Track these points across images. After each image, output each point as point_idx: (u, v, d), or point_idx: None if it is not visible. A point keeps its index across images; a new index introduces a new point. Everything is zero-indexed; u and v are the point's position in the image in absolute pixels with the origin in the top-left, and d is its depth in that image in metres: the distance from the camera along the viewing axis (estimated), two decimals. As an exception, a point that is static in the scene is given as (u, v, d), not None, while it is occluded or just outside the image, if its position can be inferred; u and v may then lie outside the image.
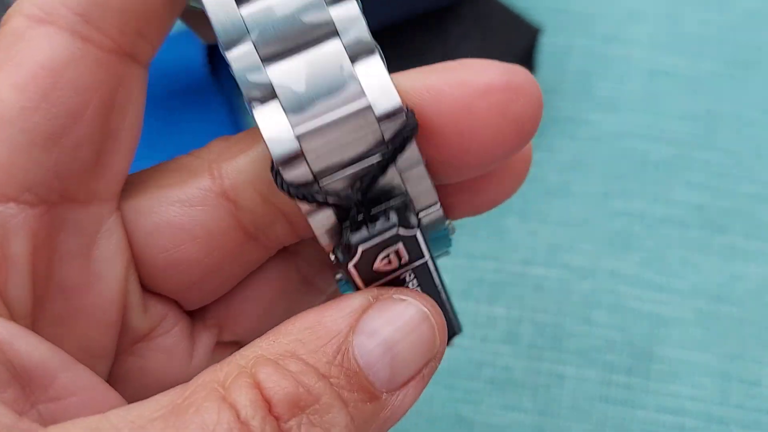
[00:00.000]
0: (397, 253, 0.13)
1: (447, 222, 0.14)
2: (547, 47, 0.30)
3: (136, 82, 0.12)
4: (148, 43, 0.12)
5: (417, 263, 0.13)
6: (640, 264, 0.26)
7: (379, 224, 0.12)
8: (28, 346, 0.12)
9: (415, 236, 0.13)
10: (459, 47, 0.27)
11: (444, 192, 0.14)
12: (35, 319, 0.13)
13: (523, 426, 0.24)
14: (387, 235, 0.12)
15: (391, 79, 0.12)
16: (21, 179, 0.11)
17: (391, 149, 0.12)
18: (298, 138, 0.12)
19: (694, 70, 0.29)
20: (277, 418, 0.11)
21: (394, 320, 0.12)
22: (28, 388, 0.12)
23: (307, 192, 0.12)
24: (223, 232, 0.13)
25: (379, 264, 0.13)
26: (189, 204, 0.13)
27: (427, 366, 0.13)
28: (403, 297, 0.13)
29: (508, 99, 0.12)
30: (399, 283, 0.13)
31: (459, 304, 0.25)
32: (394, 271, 0.13)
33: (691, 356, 0.24)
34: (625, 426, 0.23)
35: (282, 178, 0.12)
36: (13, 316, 0.12)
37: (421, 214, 0.13)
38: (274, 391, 0.11)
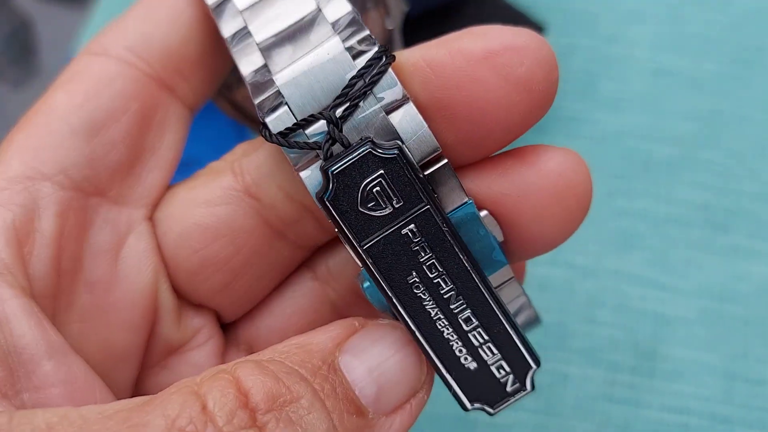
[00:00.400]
0: (383, 189, 0.12)
1: (483, 214, 0.13)
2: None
3: (174, 114, 0.14)
4: (187, 84, 0.14)
5: (417, 210, 0.12)
6: (644, 263, 0.26)
7: (352, 148, 0.12)
8: (22, 328, 0.12)
9: (396, 159, 0.12)
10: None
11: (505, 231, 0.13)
12: (62, 311, 0.13)
13: (526, 425, 0.23)
14: (357, 153, 0.12)
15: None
16: (58, 162, 0.12)
17: (365, 75, 0.12)
18: (280, 87, 0.12)
19: (697, 70, 0.29)
20: (252, 410, 0.10)
21: (378, 342, 0.12)
22: (15, 372, 0.12)
23: (290, 138, 0.12)
24: (250, 229, 0.13)
25: (366, 205, 0.12)
26: (213, 204, 0.13)
27: (414, 397, 0.12)
28: (388, 321, 0.13)
29: (510, 62, 0.12)
30: (416, 265, 0.12)
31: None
32: (393, 218, 0.12)
33: (695, 355, 0.24)
34: (629, 425, 0.23)
35: (268, 130, 0.12)
36: (33, 292, 0.12)
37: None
38: (252, 384, 0.11)
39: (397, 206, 0.12)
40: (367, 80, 0.12)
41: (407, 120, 0.12)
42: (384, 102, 0.12)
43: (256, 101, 0.12)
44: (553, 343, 0.25)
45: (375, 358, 0.12)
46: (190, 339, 0.14)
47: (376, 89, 0.12)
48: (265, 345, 0.15)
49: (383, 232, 0.12)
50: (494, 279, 0.13)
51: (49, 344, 0.12)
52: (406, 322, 0.13)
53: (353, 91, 0.12)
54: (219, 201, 0.13)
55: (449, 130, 0.12)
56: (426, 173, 0.12)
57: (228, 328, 0.15)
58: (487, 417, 0.24)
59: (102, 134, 0.13)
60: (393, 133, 0.12)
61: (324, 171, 0.12)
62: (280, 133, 0.12)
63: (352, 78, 0.12)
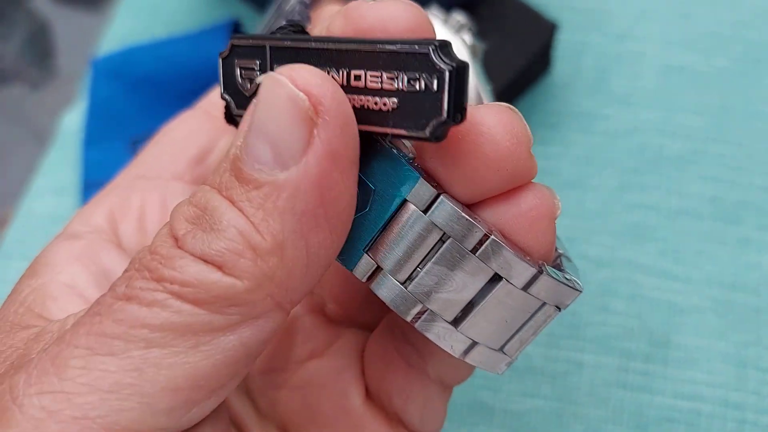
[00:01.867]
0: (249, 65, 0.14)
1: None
2: (563, 44, 0.30)
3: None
4: None
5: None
6: (656, 254, 0.26)
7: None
8: (112, 258, 0.16)
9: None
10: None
11: None
12: None
13: (541, 412, 0.24)
14: (257, 43, 0.13)
15: None
16: (150, 166, 0.18)
17: None
18: None
19: (707, 66, 0.30)
20: (175, 238, 0.12)
21: (258, 103, 0.12)
22: (105, 288, 0.14)
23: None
24: None
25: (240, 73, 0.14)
26: None
27: (316, 127, 0.12)
28: (264, 76, 0.13)
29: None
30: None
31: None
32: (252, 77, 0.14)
33: (707, 343, 0.25)
34: (642, 412, 0.24)
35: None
36: (123, 246, 0.16)
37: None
38: (175, 219, 0.13)
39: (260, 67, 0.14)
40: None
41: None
42: None
43: None
44: (568, 332, 0.25)
45: (261, 121, 0.12)
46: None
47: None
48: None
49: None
50: (415, 196, 0.13)
51: None
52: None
53: None
54: None
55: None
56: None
57: None
58: (503, 404, 0.25)
59: (178, 145, 0.18)
60: None
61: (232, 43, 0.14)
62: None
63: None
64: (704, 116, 0.29)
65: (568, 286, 0.14)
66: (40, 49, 0.70)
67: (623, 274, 0.26)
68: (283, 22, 0.14)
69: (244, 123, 0.13)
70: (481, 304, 0.14)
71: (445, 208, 0.13)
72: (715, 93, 0.29)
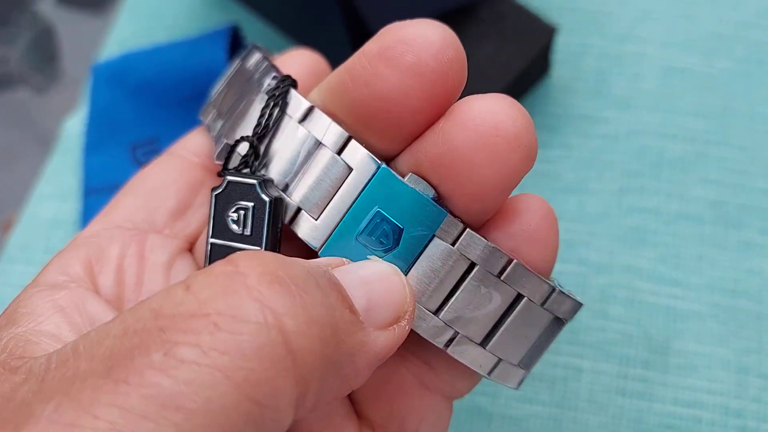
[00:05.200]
0: (246, 216, 0.15)
1: (407, 177, 0.15)
2: (562, 46, 0.30)
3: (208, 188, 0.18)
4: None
5: (251, 247, 0.15)
6: (656, 259, 0.26)
7: (252, 175, 0.15)
8: (97, 305, 0.15)
9: (266, 203, 0.15)
10: (476, 47, 0.28)
11: None
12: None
13: (540, 418, 0.24)
14: (249, 180, 0.15)
15: None
16: (125, 215, 0.17)
17: (273, 96, 0.15)
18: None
19: (709, 67, 0.30)
20: (247, 284, 0.12)
21: (367, 267, 0.14)
22: None
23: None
24: None
25: (231, 217, 0.15)
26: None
27: (401, 320, 0.14)
28: (375, 259, 0.14)
29: (398, 53, 0.14)
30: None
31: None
32: (238, 239, 0.15)
33: (707, 350, 0.24)
34: (641, 419, 0.24)
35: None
36: (101, 294, 0.16)
37: None
38: (247, 266, 0.12)
39: (246, 234, 0.15)
40: (272, 103, 0.15)
41: (315, 121, 0.15)
42: (295, 116, 0.15)
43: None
44: (567, 338, 0.25)
45: (365, 276, 0.14)
46: None
47: (289, 111, 0.15)
48: None
49: (226, 242, 0.15)
50: (444, 232, 0.14)
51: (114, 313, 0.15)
52: None
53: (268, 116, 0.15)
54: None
55: (371, 133, 0.15)
56: (342, 157, 0.15)
57: None
58: (502, 409, 0.24)
59: (156, 195, 0.18)
60: (309, 136, 0.15)
61: (225, 175, 0.15)
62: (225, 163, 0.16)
63: (263, 108, 0.15)
64: (706, 119, 0.29)
65: (573, 299, 0.16)
66: (45, 53, 0.71)
67: (623, 280, 0.26)
68: (265, 88, 0.16)
69: (336, 261, 0.14)
70: (506, 322, 0.15)
71: (472, 239, 0.14)
72: (716, 95, 0.29)
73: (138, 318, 0.11)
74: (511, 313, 0.15)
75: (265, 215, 0.15)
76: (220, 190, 0.15)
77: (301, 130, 0.15)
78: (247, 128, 0.16)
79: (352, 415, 0.16)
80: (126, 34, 0.34)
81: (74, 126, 0.32)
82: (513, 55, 0.28)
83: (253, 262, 0.12)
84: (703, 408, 0.24)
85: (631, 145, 0.28)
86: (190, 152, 0.18)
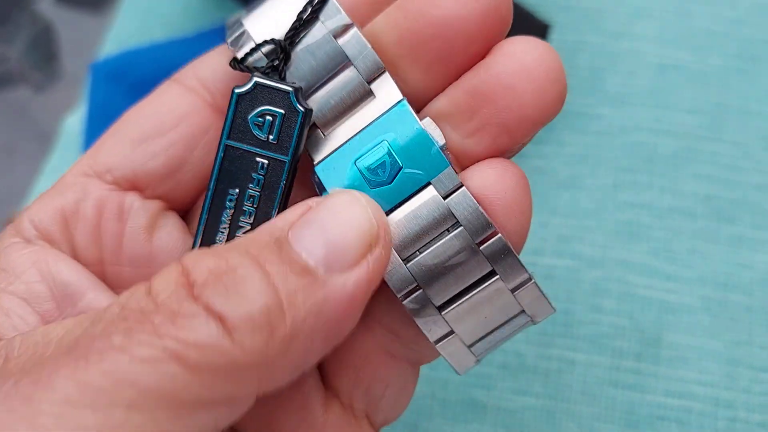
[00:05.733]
0: (273, 122, 0.14)
1: (425, 121, 0.14)
2: (556, 43, 0.31)
3: (215, 138, 0.16)
4: None
5: (278, 156, 0.14)
6: (648, 253, 0.26)
7: (285, 81, 0.14)
8: (68, 268, 0.15)
9: (299, 113, 0.14)
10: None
11: None
12: (109, 279, 0.15)
13: (534, 410, 0.24)
14: (281, 86, 0.14)
15: None
16: (107, 163, 0.16)
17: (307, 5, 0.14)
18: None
19: (703, 64, 0.30)
20: (191, 285, 0.12)
21: (325, 207, 0.13)
22: (62, 302, 0.14)
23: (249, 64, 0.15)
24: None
25: (254, 121, 0.14)
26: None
27: (371, 252, 0.13)
28: (336, 191, 0.14)
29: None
30: (243, 187, 0.14)
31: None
32: (260, 145, 0.14)
33: (698, 342, 0.25)
34: (633, 410, 0.24)
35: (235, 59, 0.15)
36: (78, 258, 0.15)
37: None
38: (193, 263, 0.12)
39: (270, 140, 0.14)
40: (309, 9, 0.14)
41: (352, 42, 0.14)
42: (331, 28, 0.14)
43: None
44: (560, 331, 0.25)
45: (321, 220, 0.13)
46: None
47: (323, 17, 0.14)
48: None
49: (245, 147, 0.14)
50: (440, 182, 0.14)
51: (92, 282, 0.15)
52: (203, 207, 0.15)
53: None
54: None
55: (416, 66, 0.14)
56: (369, 85, 0.14)
57: None
58: (496, 401, 0.25)
59: (146, 146, 0.16)
60: (341, 54, 0.14)
61: (253, 76, 0.14)
62: (243, 57, 0.15)
63: (300, 12, 0.15)
64: (699, 115, 0.29)
65: (547, 300, 0.15)
66: (45, 51, 0.71)
67: (616, 273, 0.26)
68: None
69: (301, 211, 0.13)
70: (470, 295, 0.14)
71: (465, 199, 0.14)
72: (710, 91, 0.29)
73: (106, 311, 0.12)
74: (479, 288, 0.14)
75: (296, 125, 0.14)
76: (244, 90, 0.14)
77: (334, 45, 0.14)
78: (270, 19, 0.15)
79: (319, 384, 0.16)
80: (125, 32, 0.34)
81: (74, 124, 0.32)
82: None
83: (200, 265, 0.12)
84: (694, 399, 0.24)
85: (625, 140, 0.29)
86: (200, 83, 0.16)
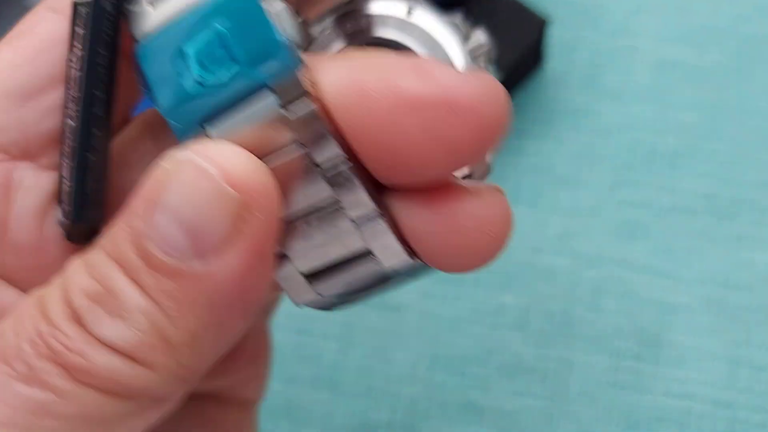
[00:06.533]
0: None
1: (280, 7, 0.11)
2: (554, 39, 0.30)
3: (129, 80, 0.13)
4: None
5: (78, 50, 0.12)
6: (648, 252, 0.26)
7: None
8: None
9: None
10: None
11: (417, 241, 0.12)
12: None
13: (532, 411, 0.24)
14: None
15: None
16: None
17: None
18: None
19: (702, 61, 0.30)
20: (76, 316, 0.11)
21: (169, 189, 0.11)
22: None
23: None
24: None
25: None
26: None
27: (244, 222, 0.11)
28: (181, 157, 0.11)
29: (442, 119, 0.11)
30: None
31: (469, 292, 0.26)
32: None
33: (698, 342, 0.25)
34: (633, 411, 0.24)
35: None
36: None
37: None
38: (71, 292, 0.11)
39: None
40: None
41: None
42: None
43: None
44: (559, 331, 0.25)
45: (173, 205, 0.11)
46: None
47: None
48: None
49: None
50: (282, 87, 0.11)
51: None
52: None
53: None
54: None
55: (360, 151, 0.12)
56: None
57: None
58: (494, 403, 0.25)
59: (37, 99, 0.12)
60: None
61: None
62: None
63: None
64: (698, 112, 0.29)
65: (402, 245, 0.12)
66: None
67: (615, 272, 0.26)
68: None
69: (144, 193, 0.11)
70: (304, 217, 0.12)
71: (304, 108, 0.11)
72: (709, 88, 0.29)
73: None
74: (314, 209, 0.12)
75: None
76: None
77: None
78: None
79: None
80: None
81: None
82: (504, 48, 0.28)
83: (76, 288, 0.11)
84: (693, 399, 0.24)
85: (623, 138, 0.28)
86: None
